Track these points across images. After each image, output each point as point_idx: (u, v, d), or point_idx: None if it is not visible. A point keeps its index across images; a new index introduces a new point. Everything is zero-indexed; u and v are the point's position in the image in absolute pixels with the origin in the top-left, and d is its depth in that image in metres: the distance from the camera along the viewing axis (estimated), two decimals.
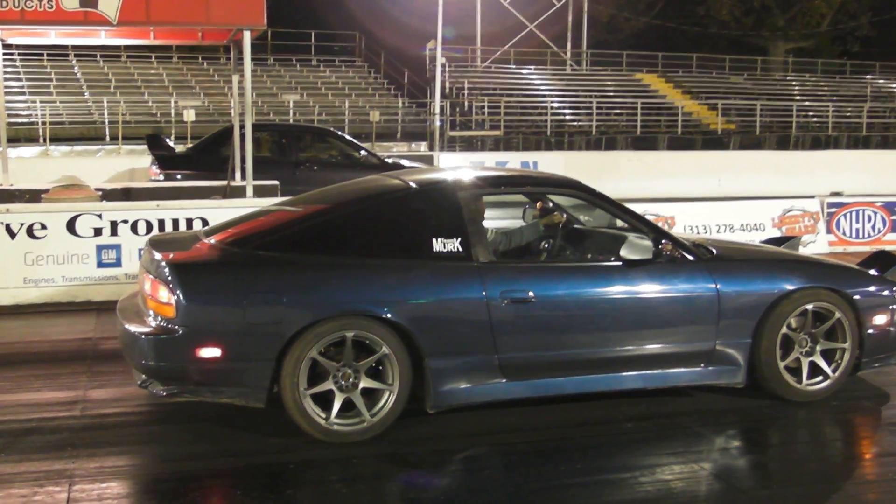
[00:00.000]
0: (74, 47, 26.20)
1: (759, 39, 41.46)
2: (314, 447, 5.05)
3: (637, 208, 6.13)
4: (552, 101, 30.20)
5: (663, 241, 5.70)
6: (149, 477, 4.83)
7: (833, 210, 12.64)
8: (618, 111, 30.41)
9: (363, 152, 15.61)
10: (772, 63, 39.83)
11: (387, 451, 5.06)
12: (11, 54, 24.81)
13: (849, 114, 32.71)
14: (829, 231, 12.56)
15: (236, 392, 5.09)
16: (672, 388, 5.85)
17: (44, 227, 8.85)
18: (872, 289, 6.08)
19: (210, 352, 4.98)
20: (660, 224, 7.34)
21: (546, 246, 6.43)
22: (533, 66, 34.08)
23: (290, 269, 5.21)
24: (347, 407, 5.12)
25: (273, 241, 5.39)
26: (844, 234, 12.67)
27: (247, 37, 10.93)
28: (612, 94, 31.85)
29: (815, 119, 32.24)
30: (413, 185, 5.77)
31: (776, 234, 11.87)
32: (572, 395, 5.61)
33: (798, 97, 34.06)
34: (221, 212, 8.92)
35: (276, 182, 12.44)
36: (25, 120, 23.46)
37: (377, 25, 34.56)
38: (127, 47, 26.21)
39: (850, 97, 34.63)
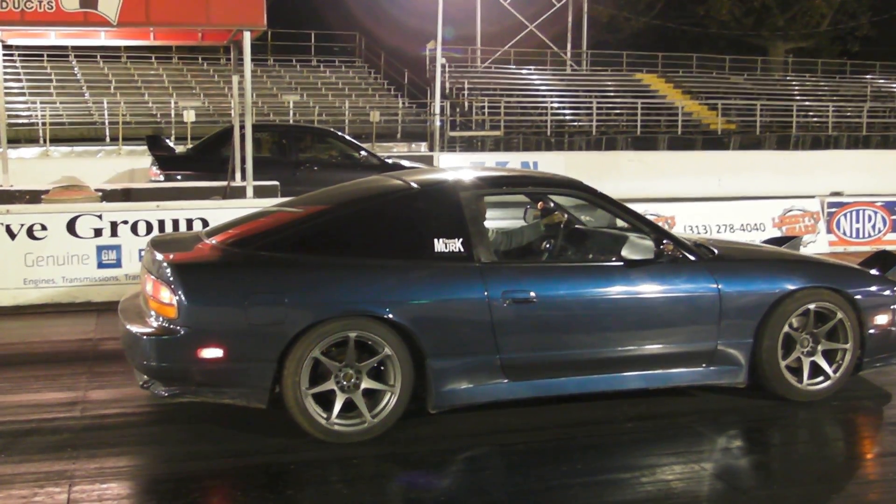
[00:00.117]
0: (74, 48, 26.23)
1: (759, 39, 41.47)
2: (315, 447, 5.05)
3: (637, 208, 6.14)
4: (552, 102, 30.20)
5: (665, 242, 5.70)
6: (149, 477, 4.83)
7: (833, 210, 12.64)
8: (618, 111, 30.42)
9: (363, 153, 15.61)
10: (772, 63, 39.84)
11: (387, 451, 5.06)
12: (11, 55, 24.83)
13: (849, 114, 32.72)
14: (829, 231, 12.55)
15: (238, 392, 5.08)
16: (673, 389, 5.84)
17: (44, 227, 8.85)
18: (874, 289, 6.08)
19: (212, 352, 4.97)
20: (660, 224, 7.33)
21: (547, 246, 6.43)
22: (533, 67, 34.10)
23: (292, 269, 5.20)
24: (348, 407, 5.12)
25: (275, 241, 5.38)
26: (845, 233, 12.67)
27: (247, 37, 10.92)
28: (612, 94, 31.87)
29: (815, 119, 32.25)
30: (414, 185, 5.77)
31: (776, 234, 11.86)
32: (573, 395, 5.61)
33: (798, 97, 34.07)
34: (222, 212, 8.91)
35: (276, 183, 12.43)
36: (25, 121, 23.47)
37: (377, 26, 34.58)
38: (127, 48, 26.23)
39: (850, 97, 34.65)
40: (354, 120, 26.03)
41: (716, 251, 5.99)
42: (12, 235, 8.76)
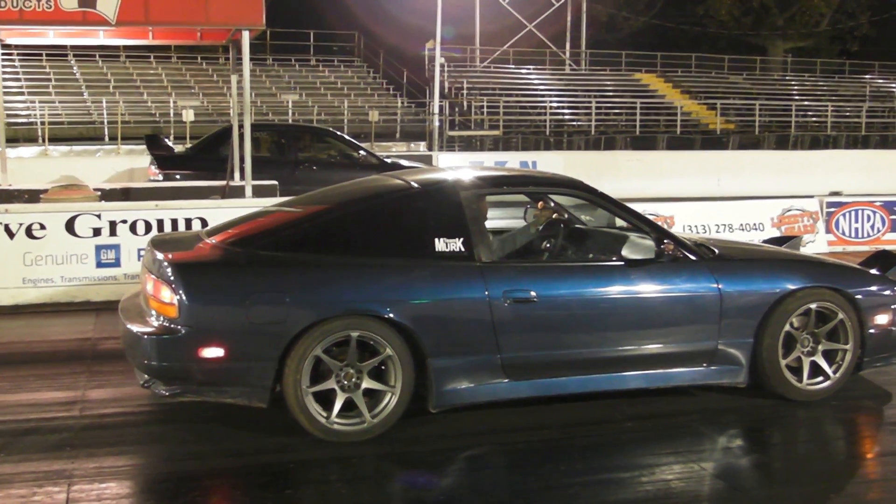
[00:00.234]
0: (73, 47, 26.22)
1: (758, 39, 41.50)
2: (314, 447, 5.04)
3: (636, 208, 6.13)
4: (551, 101, 30.21)
5: (665, 241, 5.70)
6: (148, 477, 4.82)
7: (832, 210, 12.64)
8: (617, 111, 30.44)
9: (362, 152, 15.59)
10: (771, 63, 39.87)
11: (387, 450, 5.05)
12: (10, 54, 24.81)
13: (848, 113, 32.75)
14: (828, 231, 12.55)
15: (239, 392, 5.08)
16: (674, 388, 5.84)
17: (43, 227, 8.84)
18: (874, 288, 6.08)
19: (213, 352, 4.97)
20: (660, 224, 7.32)
21: (548, 246, 6.43)
22: (532, 66, 34.10)
23: (293, 268, 5.20)
24: (349, 407, 5.11)
25: (275, 241, 5.39)
26: (843, 233, 12.67)
27: (245, 37, 10.92)
28: (611, 93, 31.88)
29: (814, 119, 32.28)
30: (415, 184, 5.76)
31: (775, 233, 11.85)
32: (573, 394, 5.61)
33: (797, 97, 34.10)
34: (221, 212, 8.91)
35: (275, 182, 12.44)
36: (24, 120, 23.46)
37: (376, 25, 34.57)
38: (126, 47, 26.22)
39: (848, 97, 34.68)
40: (353, 119, 26.03)
41: (716, 251, 5.98)
42: (11, 235, 8.75)
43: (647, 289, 5.61)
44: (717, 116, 30.81)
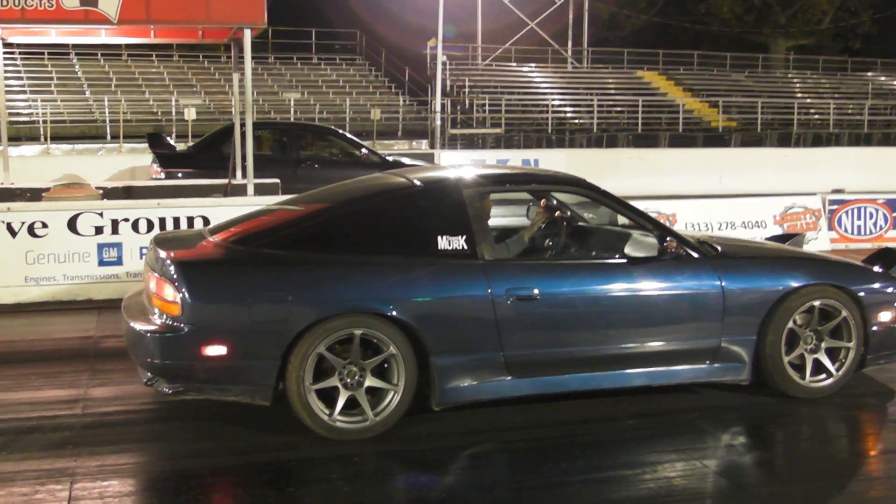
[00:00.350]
0: (75, 46, 26.19)
1: (760, 37, 41.44)
2: (316, 445, 5.04)
3: (639, 206, 6.12)
4: (553, 99, 30.19)
5: (668, 239, 5.69)
6: (150, 475, 4.83)
7: (834, 207, 12.62)
8: (619, 109, 30.41)
9: (364, 150, 15.60)
10: (773, 60, 39.80)
11: (389, 448, 5.05)
12: (12, 53, 24.81)
13: (850, 111, 32.71)
14: (830, 228, 12.54)
15: (242, 390, 5.08)
16: (676, 386, 5.83)
17: (45, 225, 8.84)
18: (877, 286, 6.07)
19: (216, 350, 4.97)
20: (662, 221, 7.30)
21: (551, 243, 6.42)
22: (534, 64, 34.06)
23: (296, 267, 5.20)
24: (351, 405, 5.11)
25: (278, 239, 5.39)
26: (846, 231, 12.65)
27: (247, 35, 10.92)
28: (613, 91, 31.84)
29: (816, 116, 32.23)
30: (417, 182, 5.76)
31: (777, 231, 11.84)
32: (576, 392, 5.60)
33: (799, 94, 34.06)
34: (222, 210, 8.92)
35: (277, 180, 12.45)
36: (26, 119, 23.47)
37: (378, 23, 34.54)
38: (128, 46, 26.20)
39: (851, 94, 34.62)
40: (355, 117, 26.02)
41: (719, 248, 5.98)
42: (13, 233, 8.76)
43: (650, 286, 5.61)
44: (720, 114, 30.78)
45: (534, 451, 5.07)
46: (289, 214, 5.75)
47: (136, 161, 18.23)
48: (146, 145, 15.96)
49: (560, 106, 30.16)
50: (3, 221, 8.73)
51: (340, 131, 17.21)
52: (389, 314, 5.10)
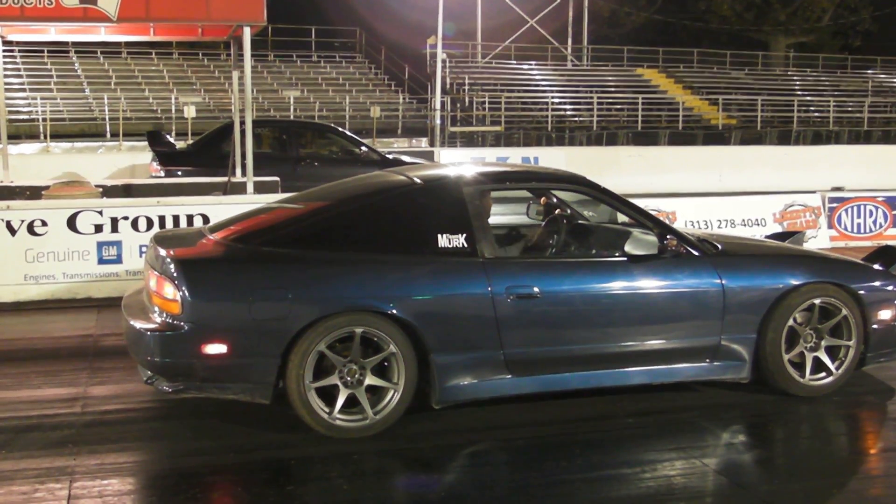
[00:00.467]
0: (75, 44, 26.22)
1: (759, 34, 41.41)
2: (316, 443, 5.04)
3: (638, 204, 6.11)
4: (553, 97, 30.17)
5: (668, 237, 5.69)
6: (150, 473, 4.82)
7: (834, 205, 12.62)
8: (619, 106, 30.39)
9: (364, 148, 15.60)
10: (773, 58, 39.79)
11: (389, 446, 5.05)
12: (12, 51, 24.81)
13: (850, 109, 32.69)
14: (830, 226, 12.53)
15: (242, 388, 5.08)
16: (676, 384, 5.83)
17: (44, 223, 8.84)
18: (877, 284, 6.07)
19: (216, 348, 4.97)
20: (662, 219, 7.30)
21: (551, 241, 6.42)
22: (534, 62, 34.05)
23: (295, 265, 5.20)
24: (351, 403, 5.11)
25: (278, 237, 5.38)
26: (846, 228, 12.65)
27: (247, 33, 10.91)
28: (612, 89, 31.81)
29: (816, 114, 32.21)
30: (417, 180, 5.75)
31: (777, 229, 11.84)
32: (576, 390, 5.60)
33: (799, 92, 34.03)
34: (222, 208, 8.91)
35: (276, 178, 12.44)
36: (26, 116, 23.47)
37: (377, 21, 34.53)
38: (127, 43, 26.20)
39: (851, 92, 34.60)
40: (355, 115, 26.03)
41: (719, 246, 5.97)
42: (13, 231, 8.75)
43: (650, 284, 5.60)
44: (719, 112, 30.77)
45: (534, 449, 5.07)
46: (288, 212, 5.75)
47: (136, 159, 18.22)
48: (146, 143, 15.95)
49: (560, 103, 30.14)
50: (3, 219, 8.72)
51: (340, 129, 17.21)
52: (389, 312, 5.09)
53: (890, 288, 6.10)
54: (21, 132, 22.42)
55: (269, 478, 4.65)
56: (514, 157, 21.74)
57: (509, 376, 5.39)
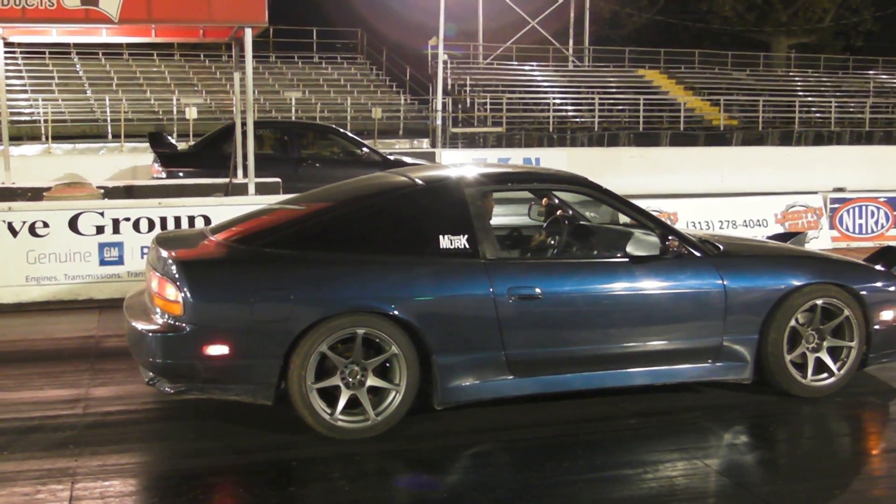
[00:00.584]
0: (76, 45, 26.20)
1: (761, 35, 41.41)
2: (317, 444, 5.04)
3: (640, 204, 6.11)
4: (554, 98, 30.17)
5: (670, 238, 5.68)
6: (151, 474, 4.82)
7: (836, 206, 12.62)
8: (620, 107, 30.40)
9: (365, 149, 15.60)
10: (774, 59, 39.79)
11: (391, 447, 5.05)
12: (13, 52, 24.83)
13: (851, 109, 32.68)
14: (832, 227, 12.53)
15: (244, 389, 5.08)
16: (678, 385, 5.83)
17: (46, 225, 8.84)
18: (879, 285, 6.07)
19: (218, 349, 4.97)
20: (664, 220, 7.31)
21: (553, 242, 6.42)
22: (535, 63, 34.05)
23: (297, 266, 5.20)
24: (353, 404, 5.11)
25: (280, 238, 5.38)
26: (847, 229, 12.65)
27: (248, 34, 10.92)
28: (614, 90, 31.82)
29: (817, 115, 32.21)
30: (419, 181, 5.75)
31: (779, 230, 11.84)
32: (577, 391, 5.60)
33: (801, 93, 34.03)
34: (224, 209, 8.91)
35: (278, 179, 12.45)
36: (28, 118, 23.48)
37: (379, 22, 34.55)
38: (129, 45, 26.20)
39: (852, 93, 34.60)
40: (356, 116, 26.02)
41: (721, 247, 5.97)
42: (14, 233, 8.76)
43: (652, 285, 5.60)
44: (721, 113, 30.76)
45: (536, 450, 5.06)
46: (290, 214, 5.75)
47: (138, 160, 18.22)
48: (147, 144, 15.94)
49: (561, 104, 30.14)
50: (5, 221, 8.73)
51: (342, 130, 17.20)
52: (391, 313, 5.09)
53: (892, 289, 6.09)
54: (23, 133, 22.43)
55: (271, 479, 4.65)
56: (516, 157, 21.74)
57: (511, 377, 5.39)
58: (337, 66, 30.82)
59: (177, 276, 5.05)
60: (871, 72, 38.03)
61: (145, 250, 8.77)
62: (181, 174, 13.98)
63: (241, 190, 11.36)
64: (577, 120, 29.47)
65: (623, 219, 6.28)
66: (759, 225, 12.06)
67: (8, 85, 19.50)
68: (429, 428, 5.33)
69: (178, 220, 9.18)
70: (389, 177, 6.17)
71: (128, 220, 9.04)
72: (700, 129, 29.94)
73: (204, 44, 26.03)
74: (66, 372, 6.48)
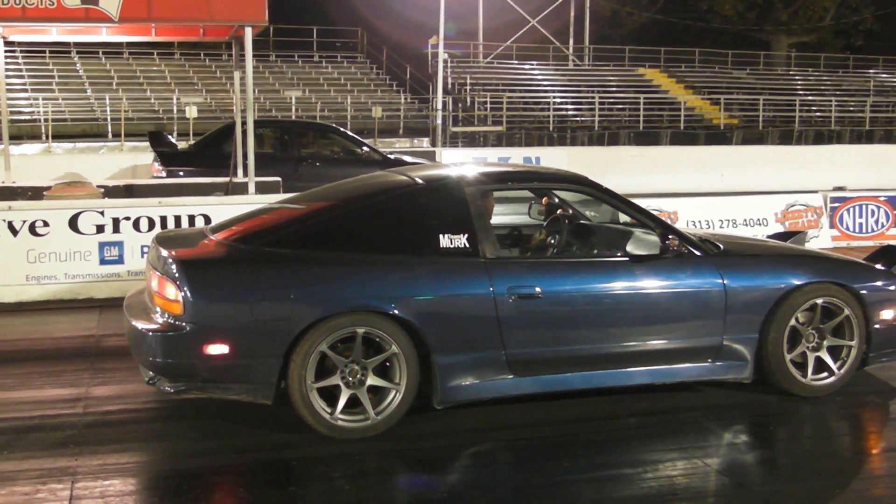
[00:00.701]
0: (76, 44, 26.23)
1: (761, 34, 41.40)
2: (318, 444, 5.04)
3: (640, 204, 6.11)
4: (554, 97, 30.17)
5: (670, 237, 5.68)
6: (152, 474, 4.82)
7: (836, 205, 12.61)
8: (620, 106, 30.40)
9: (365, 148, 15.61)
10: (774, 58, 39.78)
11: (391, 447, 5.05)
12: (14, 51, 24.83)
13: (852, 108, 32.68)
14: (832, 226, 12.53)
15: (244, 388, 5.08)
16: (678, 384, 5.83)
17: (46, 224, 8.84)
18: (879, 284, 6.06)
19: (218, 348, 4.97)
20: (664, 219, 7.31)
21: (553, 241, 6.42)
22: (535, 62, 34.05)
23: (297, 265, 5.20)
24: (353, 403, 5.11)
25: (280, 237, 5.38)
26: (848, 228, 12.65)
27: (248, 33, 10.91)
28: (614, 89, 31.81)
29: (817, 114, 32.20)
30: (419, 181, 5.75)
31: (779, 229, 11.84)
32: (577, 390, 5.60)
33: (801, 92, 34.02)
34: (224, 208, 8.91)
35: (278, 178, 12.44)
36: (28, 117, 23.48)
37: (379, 21, 34.55)
38: (129, 44, 26.20)
39: (853, 91, 34.59)
40: (356, 115, 26.02)
41: (721, 246, 5.97)
42: (14, 232, 8.76)
43: (652, 284, 5.60)
44: (721, 112, 30.75)
45: (536, 449, 5.06)
46: (290, 213, 5.74)
47: (138, 159, 18.23)
48: (147, 143, 15.95)
49: (561, 103, 30.14)
50: (5, 220, 8.73)
51: (342, 129, 17.21)
52: (391, 312, 5.09)
53: (892, 288, 6.09)
54: (23, 133, 22.43)
55: (271, 478, 4.65)
56: (516, 157, 21.74)
57: (511, 376, 5.39)
58: (337, 65, 30.82)
59: (177, 275, 5.05)
60: (871, 71, 38.03)
61: (145, 249, 8.78)
62: (181, 173, 13.98)
63: (242, 189, 11.35)
64: (578, 119, 29.47)
65: (623, 218, 6.27)
66: (760, 224, 12.06)
67: (8, 84, 19.51)
68: (429, 427, 5.33)
69: (178, 219, 9.18)
70: (389, 176, 6.17)
71: (128, 219, 9.04)
72: (700, 128, 29.93)
73: (204, 43, 26.04)
74: (66, 371, 6.48)
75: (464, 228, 5.38)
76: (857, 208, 12.69)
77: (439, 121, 24.76)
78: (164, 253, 5.28)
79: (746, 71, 36.04)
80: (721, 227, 11.80)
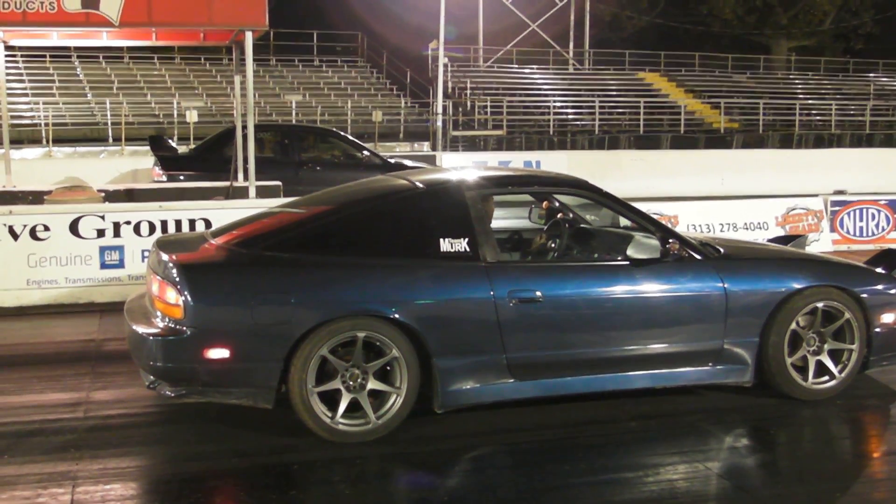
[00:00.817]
0: (77, 49, 26.27)
1: (761, 38, 41.46)
2: (318, 448, 5.04)
3: (640, 207, 6.11)
4: (555, 101, 30.19)
5: (671, 241, 5.68)
6: (152, 478, 4.82)
7: (836, 208, 12.61)
8: (620, 110, 30.41)
9: (366, 152, 15.62)
10: (774, 61, 39.83)
11: (392, 450, 5.05)
12: (14, 56, 24.86)
13: (852, 112, 32.70)
14: (832, 229, 12.53)
15: (244, 393, 5.08)
16: (679, 388, 5.82)
17: (47, 228, 8.84)
18: (880, 287, 6.06)
19: (218, 352, 4.97)
20: (664, 223, 7.31)
21: (553, 245, 6.42)
22: (535, 66, 34.10)
23: (298, 269, 5.20)
24: (354, 407, 5.11)
25: (280, 241, 5.38)
26: (848, 232, 12.64)
27: (249, 37, 10.93)
28: (614, 93, 31.85)
29: (818, 117, 32.23)
30: (420, 185, 5.76)
31: (780, 232, 11.84)
32: (578, 394, 5.59)
33: (801, 95, 34.05)
34: (224, 213, 8.92)
35: (278, 183, 12.45)
36: (28, 121, 23.49)
37: (379, 25, 34.58)
38: (129, 48, 26.22)
39: (853, 95, 34.62)
40: (357, 120, 26.03)
41: (722, 250, 5.97)
42: (15, 236, 8.76)
43: (653, 288, 5.60)
44: (721, 115, 30.77)
45: (536, 453, 5.06)
46: (291, 217, 5.75)
47: (138, 164, 18.25)
48: (148, 148, 15.96)
49: (562, 107, 30.16)
50: (5, 224, 8.73)
51: (342, 133, 17.21)
52: (392, 316, 5.09)
53: (893, 291, 6.09)
54: (23, 137, 22.43)
55: (272, 482, 4.65)
56: (517, 160, 21.75)
57: (512, 380, 5.39)
58: (337, 70, 30.85)
59: (177, 279, 5.05)
60: (871, 74, 38.06)
61: (146, 254, 8.78)
62: (182, 177, 13.99)
63: (242, 193, 11.37)
64: (578, 123, 29.49)
65: (624, 222, 6.28)
66: (760, 228, 12.06)
67: (8, 88, 19.53)
68: (429, 431, 5.33)
69: (178, 223, 9.19)
70: (390, 180, 6.17)
71: (128, 223, 9.04)
72: (700, 132, 29.95)
73: (204, 47, 26.04)
74: (66, 375, 6.48)
75: (464, 232, 5.38)
76: (857, 212, 12.69)
77: (439, 125, 24.77)
78: (165, 257, 5.29)
79: (746, 75, 36.08)
80: (721, 230, 11.80)
